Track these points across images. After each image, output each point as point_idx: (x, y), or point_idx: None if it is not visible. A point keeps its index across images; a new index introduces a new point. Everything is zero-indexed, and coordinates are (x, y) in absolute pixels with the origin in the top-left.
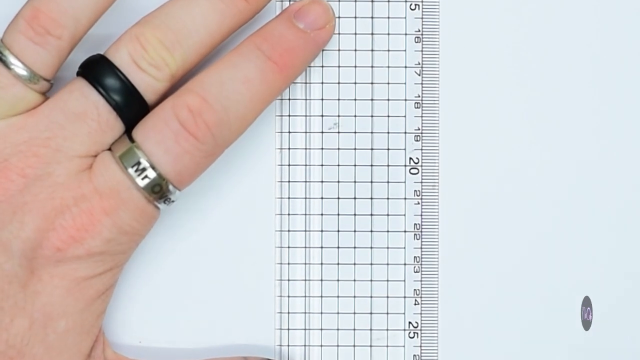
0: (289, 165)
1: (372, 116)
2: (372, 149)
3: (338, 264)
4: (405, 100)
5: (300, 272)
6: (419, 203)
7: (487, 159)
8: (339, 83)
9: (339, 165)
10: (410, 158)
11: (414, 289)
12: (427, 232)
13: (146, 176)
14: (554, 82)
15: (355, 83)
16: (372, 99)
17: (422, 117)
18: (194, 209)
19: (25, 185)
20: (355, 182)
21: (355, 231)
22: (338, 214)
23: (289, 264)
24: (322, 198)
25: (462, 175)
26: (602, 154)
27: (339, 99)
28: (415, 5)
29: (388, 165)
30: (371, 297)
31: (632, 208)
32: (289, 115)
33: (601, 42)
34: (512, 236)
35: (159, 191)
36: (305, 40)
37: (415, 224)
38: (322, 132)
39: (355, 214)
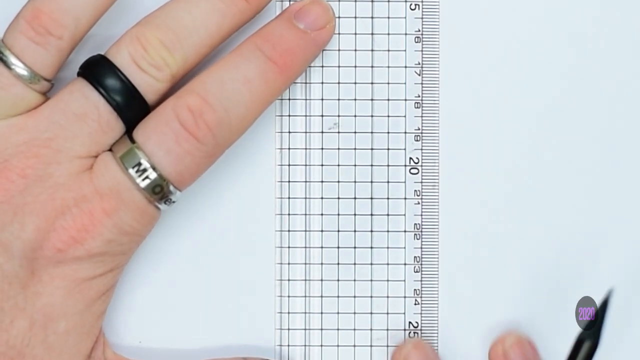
0: (289, 165)
1: (372, 116)
2: (372, 149)
3: (338, 264)
4: (405, 100)
5: (300, 272)
6: (419, 203)
7: (487, 158)
8: (339, 83)
9: (339, 165)
10: (410, 158)
11: (414, 289)
12: (427, 232)
13: (147, 177)
14: (554, 81)
15: (355, 83)
16: (372, 99)
17: (422, 117)
18: (195, 210)
19: (25, 186)
20: (355, 182)
21: (355, 231)
22: (338, 214)
23: (289, 264)
24: (322, 198)
25: (462, 175)
26: (603, 153)
27: (339, 99)
28: (415, 5)
29: (388, 165)
30: (371, 297)
31: (632, 208)
32: (289, 115)
33: (601, 41)
34: (512, 236)
35: (159, 192)
36: (305, 40)
37: (415, 223)
38: (322, 132)
39: (355, 214)
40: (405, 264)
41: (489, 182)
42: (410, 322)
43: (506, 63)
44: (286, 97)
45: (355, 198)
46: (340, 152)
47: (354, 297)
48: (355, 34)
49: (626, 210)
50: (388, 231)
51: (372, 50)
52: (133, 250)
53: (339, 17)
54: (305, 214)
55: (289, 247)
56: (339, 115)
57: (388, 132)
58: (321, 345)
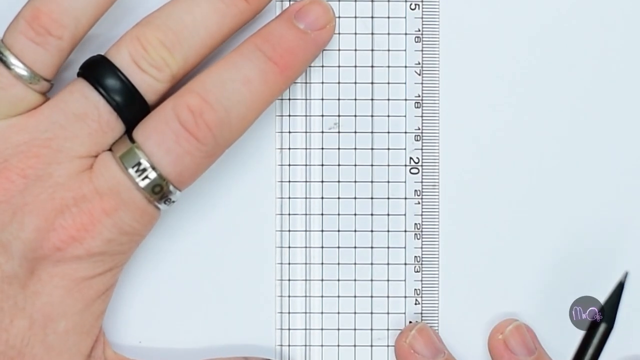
0: (289, 165)
1: (372, 116)
2: (372, 148)
3: (338, 263)
4: (406, 100)
5: (300, 272)
6: (419, 203)
7: (487, 158)
8: (339, 83)
9: (339, 165)
10: (411, 158)
11: (415, 289)
12: (427, 231)
13: (146, 176)
14: (554, 81)
15: (355, 83)
16: (372, 99)
17: (422, 117)
18: (195, 210)
19: (25, 185)
20: (355, 182)
21: (355, 231)
22: (338, 214)
23: (289, 264)
24: (322, 198)
25: (462, 174)
26: (603, 153)
27: (339, 99)
28: (415, 5)
29: (388, 165)
30: (372, 296)
31: (632, 207)
32: (289, 115)
33: (601, 40)
34: (512, 235)
35: (159, 191)
36: (305, 40)
37: (415, 223)
38: (322, 132)
39: (355, 214)
40: (405, 264)
41: (489, 182)
42: (410, 322)
43: (506, 63)
44: (286, 97)
45: (355, 198)
46: (341, 152)
47: (355, 297)
48: (355, 34)
49: (626, 210)
50: (388, 231)
51: (372, 50)
52: (133, 250)
53: (339, 17)
54: (306, 214)
55: (289, 247)
56: (339, 115)
57: (388, 132)
58: (322, 345)
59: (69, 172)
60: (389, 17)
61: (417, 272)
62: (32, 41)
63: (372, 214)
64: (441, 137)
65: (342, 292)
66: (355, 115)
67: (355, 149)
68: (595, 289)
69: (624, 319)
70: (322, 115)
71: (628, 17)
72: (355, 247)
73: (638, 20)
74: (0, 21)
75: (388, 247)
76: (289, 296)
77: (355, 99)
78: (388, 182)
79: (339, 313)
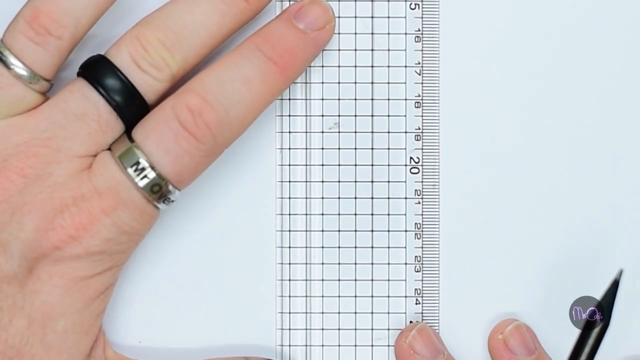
0: (289, 165)
1: (372, 116)
2: (372, 148)
3: (339, 263)
4: (406, 99)
5: (301, 272)
6: (419, 202)
7: (487, 158)
8: (339, 83)
9: (339, 165)
10: (411, 157)
11: (415, 289)
12: (427, 231)
13: (145, 176)
14: (554, 81)
15: (355, 83)
16: (372, 99)
17: (422, 116)
18: (194, 209)
19: (25, 185)
20: (355, 181)
21: (356, 231)
22: (339, 214)
23: (289, 264)
24: (322, 198)
25: (462, 174)
26: (604, 153)
27: (339, 99)
28: (415, 4)
29: (388, 165)
30: (372, 296)
31: (632, 207)
32: (289, 115)
33: (601, 40)
34: (512, 235)
35: (158, 191)
36: (305, 40)
37: (416, 223)
38: (323, 132)
39: (355, 214)
40: (406, 264)
41: (489, 182)
42: (411, 322)
43: (506, 63)
44: (286, 97)
45: (355, 198)
46: (341, 152)
47: (355, 296)
48: (355, 33)
49: (626, 209)
50: (389, 231)
51: (372, 50)
52: (132, 250)
53: (339, 17)
54: (306, 214)
55: (289, 247)
56: (339, 115)
57: (388, 132)
58: (322, 345)
59: (68, 171)
60: (389, 17)
61: (418, 272)
62: (31, 41)
63: (372, 214)
64: (441, 137)
65: (343, 292)
66: (356, 115)
67: (355, 148)
68: (595, 289)
69: (620, 317)
70: (322, 115)
71: (628, 17)
72: (355, 247)
73: (638, 21)
74: (0, 21)
75: (388, 247)
76: (289, 296)
77: (355, 99)
78: (388, 182)
79: (339, 313)
